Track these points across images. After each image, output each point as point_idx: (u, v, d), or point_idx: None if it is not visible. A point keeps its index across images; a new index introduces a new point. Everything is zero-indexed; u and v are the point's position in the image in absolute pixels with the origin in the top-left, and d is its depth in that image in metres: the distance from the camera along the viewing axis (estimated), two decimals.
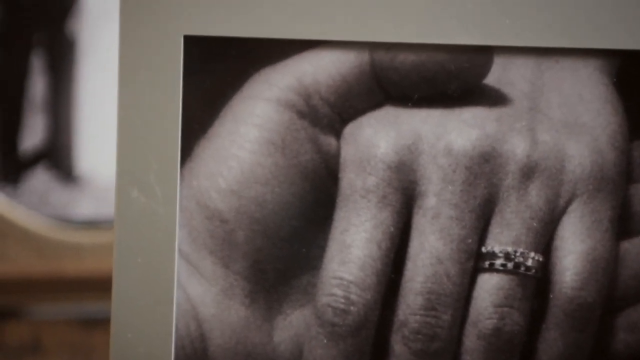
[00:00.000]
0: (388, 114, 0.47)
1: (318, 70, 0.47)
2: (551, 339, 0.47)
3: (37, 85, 1.06)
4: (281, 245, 0.47)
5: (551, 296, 0.47)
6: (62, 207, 1.06)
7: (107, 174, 1.07)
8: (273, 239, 0.47)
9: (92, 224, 1.06)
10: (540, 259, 0.47)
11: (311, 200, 0.47)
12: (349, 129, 0.47)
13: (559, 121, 0.47)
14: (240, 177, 0.46)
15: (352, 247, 0.46)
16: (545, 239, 0.47)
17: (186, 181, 0.47)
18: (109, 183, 1.07)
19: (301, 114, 0.47)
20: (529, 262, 0.47)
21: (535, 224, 0.47)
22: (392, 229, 0.46)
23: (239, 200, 0.46)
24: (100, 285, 1.04)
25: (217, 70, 0.47)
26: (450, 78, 0.47)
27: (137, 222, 0.47)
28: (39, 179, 1.06)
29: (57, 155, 1.05)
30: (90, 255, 1.06)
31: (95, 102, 1.06)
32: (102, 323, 1.05)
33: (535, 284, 0.48)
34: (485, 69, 0.47)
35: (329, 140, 0.47)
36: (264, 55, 0.47)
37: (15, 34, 1.05)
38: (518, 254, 0.47)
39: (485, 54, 0.46)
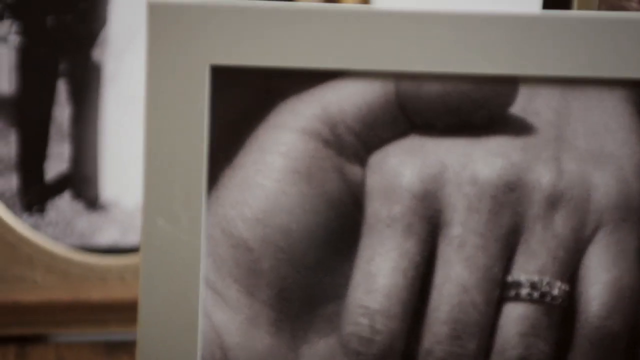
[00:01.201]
0: (413, 143, 0.47)
1: (343, 99, 0.47)
2: None
3: (63, 113, 1.06)
4: (306, 274, 0.47)
5: (577, 325, 0.47)
6: (87, 233, 1.06)
7: (131, 201, 1.07)
8: (298, 267, 0.47)
9: (116, 250, 1.06)
10: (566, 289, 0.47)
11: (336, 229, 0.47)
12: (375, 158, 0.47)
13: (584, 150, 0.47)
14: (265, 206, 0.46)
15: (377, 276, 0.46)
16: (571, 268, 0.47)
17: (212, 210, 0.47)
18: (134, 210, 1.07)
19: (327, 143, 0.47)
20: (555, 292, 0.47)
21: (561, 254, 0.47)
22: (417, 257, 0.46)
23: (265, 229, 0.46)
24: (125, 311, 1.05)
25: (243, 99, 0.47)
26: (476, 107, 0.47)
27: (162, 250, 0.47)
28: (64, 206, 1.06)
29: (82, 183, 1.06)
30: (114, 281, 1.06)
31: (119, 130, 1.07)
32: (126, 348, 1.05)
33: (561, 313, 0.47)
34: (511, 98, 0.47)
35: (354, 169, 0.47)
36: (289, 85, 0.47)
37: (41, 61, 1.05)
38: (544, 284, 0.47)
39: (510, 83, 0.46)
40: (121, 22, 1.07)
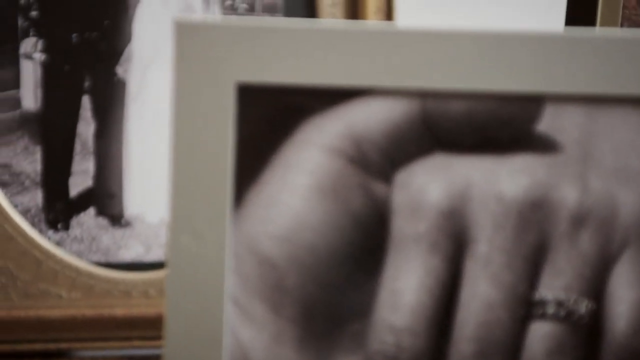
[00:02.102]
0: (439, 160, 0.47)
1: (369, 117, 0.47)
2: None
3: (87, 130, 1.07)
4: (332, 291, 0.47)
5: (603, 344, 0.47)
6: (112, 249, 1.06)
7: (155, 216, 1.07)
8: (324, 285, 0.47)
9: (140, 266, 1.06)
10: (593, 307, 0.47)
11: (362, 247, 0.47)
12: (400, 175, 0.47)
13: (610, 168, 0.47)
14: (290, 223, 0.47)
15: (403, 294, 0.46)
16: (597, 287, 0.47)
17: (237, 227, 0.47)
18: (158, 225, 1.07)
19: (352, 161, 0.47)
20: (582, 310, 0.47)
21: (587, 272, 0.46)
22: (443, 275, 0.46)
23: (290, 246, 0.46)
24: (149, 326, 1.05)
25: (268, 117, 0.47)
26: (501, 125, 0.47)
27: (188, 267, 0.47)
28: (89, 222, 1.07)
29: (107, 199, 1.06)
30: (138, 297, 1.06)
31: (144, 146, 1.07)
32: None
33: (587, 331, 0.47)
34: (536, 116, 0.47)
35: (380, 187, 0.47)
36: (315, 102, 0.47)
37: (66, 78, 1.06)
38: (570, 302, 0.46)
39: (535, 101, 0.46)
40: (145, 39, 1.08)
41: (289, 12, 1.04)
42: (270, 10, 1.05)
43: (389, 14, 1.02)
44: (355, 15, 1.02)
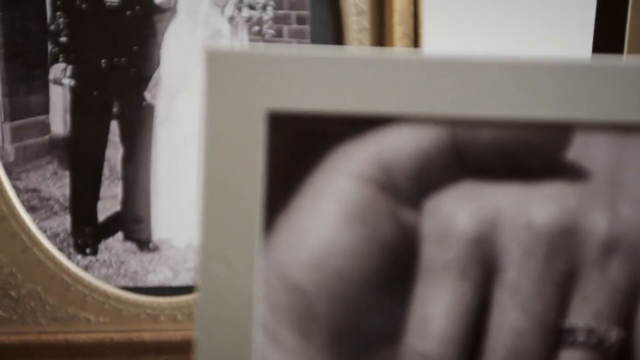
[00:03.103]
0: (468, 187, 0.47)
1: (398, 144, 0.47)
2: None
3: (116, 155, 1.08)
4: (361, 318, 0.47)
5: None
6: (139, 273, 1.07)
7: (183, 241, 1.08)
8: (353, 311, 0.47)
9: (168, 290, 1.07)
10: (623, 335, 0.47)
11: (391, 273, 0.47)
12: (430, 203, 0.47)
13: None
14: (320, 250, 0.47)
15: (432, 321, 0.46)
16: (627, 314, 0.47)
17: (266, 254, 0.47)
18: (185, 250, 1.08)
19: (382, 188, 0.47)
20: (612, 338, 0.46)
21: (617, 299, 0.46)
22: (473, 302, 0.46)
23: (320, 273, 0.47)
24: (177, 350, 1.05)
25: (298, 144, 0.48)
26: (531, 153, 0.47)
27: (218, 294, 0.48)
28: (117, 247, 1.07)
29: (135, 224, 1.07)
30: (166, 321, 1.07)
31: (171, 171, 1.07)
32: None
33: (618, 359, 0.47)
34: (565, 144, 0.47)
35: (409, 214, 0.47)
36: (344, 130, 0.47)
37: (94, 103, 1.07)
38: (601, 330, 0.46)
39: (565, 129, 0.46)
40: (173, 65, 1.08)
41: (316, 37, 1.04)
42: (297, 35, 1.06)
43: (415, 40, 1.02)
44: (382, 41, 1.03)
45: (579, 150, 0.47)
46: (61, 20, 1.07)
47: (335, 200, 0.47)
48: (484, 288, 0.47)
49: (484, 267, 0.47)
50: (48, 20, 1.07)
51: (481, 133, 0.47)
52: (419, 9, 1.02)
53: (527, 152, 0.47)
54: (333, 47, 1.04)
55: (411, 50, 1.03)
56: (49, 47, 1.07)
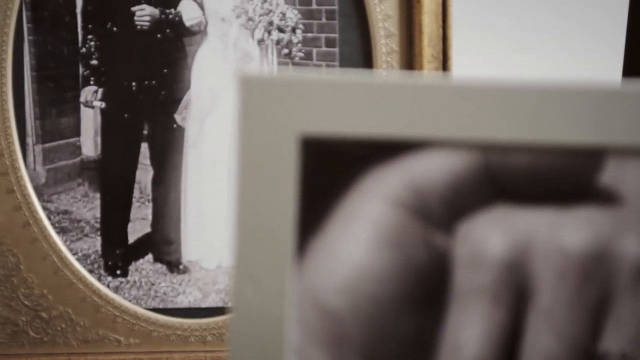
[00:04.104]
0: (501, 211, 0.47)
1: (431, 168, 0.47)
2: None
3: (146, 177, 1.08)
4: (394, 343, 0.47)
5: None
6: (169, 295, 1.07)
7: (212, 262, 1.08)
8: (386, 336, 0.47)
9: (198, 311, 1.07)
10: None
11: (423, 298, 0.47)
12: (462, 227, 0.47)
13: None
14: (353, 275, 0.47)
15: (466, 347, 0.46)
16: None
17: (299, 278, 0.48)
18: (215, 272, 1.08)
19: (414, 212, 0.47)
20: None
21: None
22: (506, 328, 0.46)
23: (352, 298, 0.47)
24: None
25: (331, 168, 0.48)
26: (564, 177, 0.47)
27: (250, 317, 0.48)
28: (147, 268, 1.08)
29: (164, 245, 1.07)
30: (196, 342, 1.07)
31: (201, 193, 1.08)
32: None
33: None
34: (599, 168, 0.47)
35: (442, 238, 0.47)
36: (377, 153, 0.47)
37: (125, 126, 1.08)
38: (634, 354, 0.46)
39: (598, 153, 0.46)
40: (203, 87, 1.09)
41: (345, 60, 1.05)
42: (326, 58, 1.06)
43: (444, 62, 1.02)
44: (411, 63, 1.03)
45: (612, 174, 0.47)
46: (92, 43, 1.08)
47: (367, 225, 0.47)
48: (517, 313, 0.47)
49: (517, 292, 0.47)
50: (79, 44, 1.08)
51: (514, 157, 0.47)
52: (448, 32, 1.02)
53: (560, 177, 0.47)
54: (364, 71, 1.05)
55: (443, 74, 1.03)
56: (80, 70, 1.08)
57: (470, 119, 0.47)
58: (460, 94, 0.47)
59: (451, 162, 0.47)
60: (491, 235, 0.46)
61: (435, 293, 0.48)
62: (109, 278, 1.08)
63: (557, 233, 0.46)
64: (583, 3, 1.15)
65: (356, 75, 0.47)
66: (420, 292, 0.47)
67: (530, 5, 1.14)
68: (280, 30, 1.07)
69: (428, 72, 1.02)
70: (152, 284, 1.09)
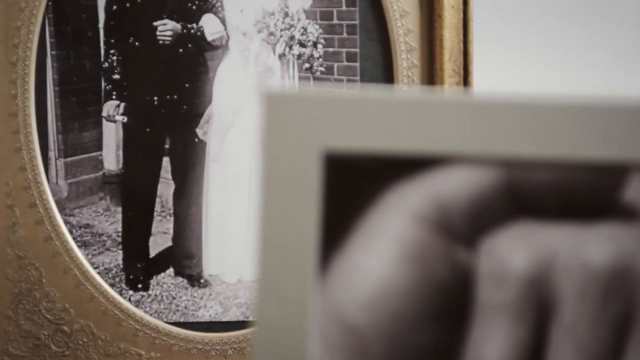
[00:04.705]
0: (524, 227, 0.47)
1: (455, 184, 0.47)
2: None
3: (167, 191, 1.09)
4: (416, 358, 0.47)
5: None
6: (190, 309, 1.07)
7: (233, 277, 1.08)
8: (408, 353, 0.47)
9: (219, 325, 1.07)
10: None
11: (446, 313, 0.47)
12: (485, 243, 0.47)
13: None
14: (376, 290, 0.47)
15: None
16: None
17: (322, 293, 0.48)
18: (235, 286, 1.08)
19: (438, 228, 0.47)
20: None
21: None
22: (529, 344, 0.46)
23: (375, 314, 0.47)
24: None
25: (354, 184, 0.48)
26: (587, 193, 0.46)
27: (273, 332, 0.48)
28: (168, 282, 1.08)
29: (186, 259, 1.08)
30: (217, 356, 1.07)
31: (222, 207, 1.08)
32: None
33: None
34: (621, 183, 0.47)
35: (465, 254, 0.47)
36: (400, 169, 0.47)
37: (147, 140, 1.08)
38: None
39: (621, 169, 0.46)
40: (225, 102, 1.09)
41: (366, 75, 1.05)
42: (347, 73, 1.06)
43: (465, 77, 1.02)
44: (432, 78, 1.03)
45: (635, 190, 0.47)
46: (114, 57, 1.08)
47: (390, 240, 0.47)
48: (540, 329, 0.47)
49: (539, 308, 0.46)
50: (102, 58, 1.08)
51: (536, 173, 0.47)
52: (469, 46, 1.02)
53: (583, 193, 0.47)
54: (386, 87, 1.05)
55: (464, 89, 1.03)
56: (103, 84, 1.08)
57: (493, 134, 0.47)
58: (482, 110, 0.47)
59: (474, 177, 0.47)
60: (514, 251, 0.46)
61: (458, 308, 0.48)
62: (130, 292, 1.09)
63: (580, 249, 0.46)
64: (605, 17, 1.15)
65: (379, 92, 0.47)
66: (443, 308, 0.47)
67: (551, 20, 1.14)
68: (302, 44, 1.08)
69: (449, 87, 1.02)
70: (173, 298, 1.10)
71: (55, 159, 1.08)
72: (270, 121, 0.48)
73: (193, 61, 1.09)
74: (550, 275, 0.46)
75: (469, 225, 0.48)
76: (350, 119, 0.47)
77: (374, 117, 0.47)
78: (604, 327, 0.46)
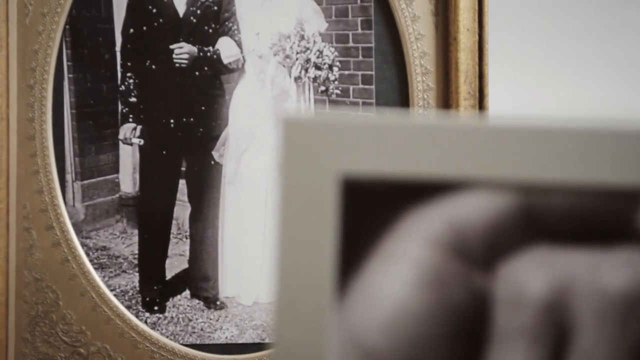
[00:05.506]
0: (542, 251, 0.47)
1: (472, 208, 0.47)
2: None
3: (184, 213, 1.09)
4: None
5: None
6: (206, 331, 1.08)
7: (249, 299, 1.08)
8: None
9: (234, 348, 1.07)
10: None
11: (465, 339, 0.47)
12: (503, 268, 0.47)
13: None
14: (394, 315, 0.47)
15: None
16: None
17: (340, 317, 0.48)
18: (251, 308, 1.08)
19: (455, 253, 0.47)
20: None
21: None
22: None
23: (393, 339, 0.47)
24: None
25: (371, 208, 0.48)
26: (606, 217, 0.47)
27: (291, 356, 0.48)
28: (184, 304, 1.08)
29: (202, 281, 1.08)
30: None
31: (238, 229, 1.08)
32: None
33: None
34: (639, 208, 0.47)
35: (482, 279, 0.47)
36: (418, 194, 0.48)
37: (163, 162, 1.08)
38: None
39: (639, 193, 0.46)
40: (241, 124, 1.10)
41: (382, 97, 1.05)
42: (363, 95, 1.06)
43: (481, 99, 1.03)
44: (447, 101, 1.03)
45: None
46: (131, 80, 1.09)
47: (408, 265, 0.47)
48: (558, 354, 0.47)
49: (557, 333, 0.46)
50: (118, 81, 1.09)
51: (554, 197, 0.47)
52: (484, 69, 1.03)
53: (600, 217, 0.47)
54: (403, 111, 1.05)
55: (481, 113, 1.03)
56: (119, 107, 1.09)
57: (510, 159, 0.47)
58: (500, 134, 0.47)
59: (491, 202, 0.47)
60: (532, 276, 0.46)
61: (476, 333, 0.48)
62: (147, 314, 1.09)
63: (598, 274, 0.46)
64: (619, 37, 1.15)
65: (396, 116, 0.48)
66: (461, 332, 0.47)
67: (566, 42, 1.14)
68: (317, 67, 1.08)
69: (465, 110, 1.02)
70: (190, 320, 1.10)
71: (72, 182, 1.08)
72: (288, 146, 0.48)
73: (209, 84, 1.10)
74: (568, 300, 0.46)
75: (486, 250, 0.48)
76: (368, 144, 0.48)
77: (391, 142, 0.47)
78: (622, 351, 0.46)
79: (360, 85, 1.08)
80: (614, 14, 1.15)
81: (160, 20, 1.09)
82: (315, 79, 1.09)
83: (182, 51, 1.09)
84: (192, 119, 1.10)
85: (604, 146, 0.46)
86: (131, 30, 1.09)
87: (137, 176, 1.11)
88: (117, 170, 1.10)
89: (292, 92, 1.09)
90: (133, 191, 1.11)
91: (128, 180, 1.11)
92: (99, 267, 1.08)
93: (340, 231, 0.48)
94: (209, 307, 1.10)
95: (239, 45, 1.09)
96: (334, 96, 1.08)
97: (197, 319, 1.10)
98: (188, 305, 1.10)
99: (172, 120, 1.10)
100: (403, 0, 1.04)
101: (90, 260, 1.07)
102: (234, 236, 1.11)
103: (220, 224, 1.11)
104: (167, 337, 1.08)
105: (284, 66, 1.09)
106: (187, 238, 1.11)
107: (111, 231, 1.10)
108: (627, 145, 0.46)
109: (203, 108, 1.10)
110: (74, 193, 1.08)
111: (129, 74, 1.10)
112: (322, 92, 1.09)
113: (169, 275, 1.10)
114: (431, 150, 0.47)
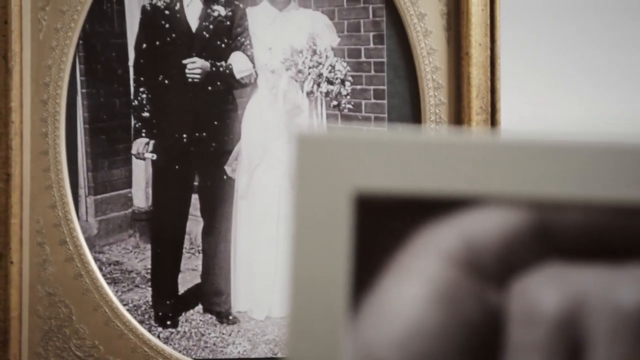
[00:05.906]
0: (556, 268, 0.47)
1: (485, 224, 0.47)
2: None
3: (196, 228, 1.09)
4: None
5: None
6: (218, 345, 1.08)
7: (261, 313, 1.08)
8: None
9: None
10: None
11: (478, 355, 0.47)
12: (517, 284, 0.47)
13: None
14: (407, 331, 0.47)
15: None
16: None
17: (354, 333, 0.48)
18: (264, 323, 1.08)
19: (468, 269, 0.47)
20: None
21: None
22: None
23: (406, 354, 0.47)
24: None
25: (384, 224, 0.48)
26: (618, 234, 0.47)
27: None
28: (197, 319, 1.08)
29: (214, 296, 1.08)
30: None
31: (251, 244, 1.08)
32: None
33: None
34: None
35: (496, 295, 0.47)
36: (431, 210, 0.48)
37: (176, 177, 1.09)
38: None
39: None
40: (253, 139, 1.10)
41: (394, 112, 1.05)
42: (375, 110, 1.07)
43: (493, 114, 1.03)
44: (459, 115, 1.03)
45: None
46: (144, 95, 1.09)
47: (421, 281, 0.47)
48: None
49: (571, 350, 0.46)
50: (131, 96, 1.09)
51: (568, 214, 0.47)
52: (496, 84, 1.03)
53: (614, 234, 0.47)
54: (416, 128, 1.05)
55: (494, 128, 1.03)
56: (132, 122, 1.09)
57: (523, 175, 0.47)
58: (513, 151, 0.47)
59: (505, 218, 0.47)
60: (545, 293, 0.46)
61: (489, 349, 0.48)
62: (159, 328, 1.09)
63: (611, 291, 0.46)
64: (633, 50, 1.15)
65: (409, 133, 0.48)
66: (474, 348, 0.47)
67: (578, 56, 1.14)
68: (330, 82, 1.08)
69: (477, 124, 1.03)
70: (202, 335, 1.10)
71: (85, 197, 1.09)
72: (302, 162, 0.48)
73: (222, 99, 1.10)
74: (582, 317, 0.46)
75: (499, 266, 0.48)
76: (381, 160, 0.48)
77: (405, 158, 0.48)
78: None
79: (372, 100, 1.08)
80: (626, 27, 1.15)
81: (173, 35, 1.09)
82: (327, 93, 1.09)
83: (195, 66, 1.09)
84: (204, 134, 1.10)
85: (617, 162, 0.46)
86: (144, 45, 1.10)
87: (150, 191, 1.11)
88: (130, 185, 1.11)
89: (304, 106, 1.10)
90: (146, 206, 1.11)
91: (141, 195, 1.11)
92: (112, 281, 1.08)
93: (353, 247, 0.48)
94: (221, 322, 1.10)
95: (252, 60, 1.09)
96: (346, 111, 1.09)
97: (209, 334, 1.10)
98: (200, 320, 1.10)
99: (184, 135, 1.11)
100: (415, 15, 1.04)
101: (103, 275, 1.07)
102: (246, 251, 1.11)
103: (232, 239, 1.11)
104: (180, 351, 1.08)
105: (296, 81, 1.09)
106: (199, 253, 1.11)
107: (124, 246, 1.10)
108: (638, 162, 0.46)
109: (216, 123, 1.10)
110: (87, 208, 1.09)
111: (141, 89, 1.11)
112: (334, 106, 1.09)
113: (181, 289, 1.10)
114: (444, 166, 0.47)
